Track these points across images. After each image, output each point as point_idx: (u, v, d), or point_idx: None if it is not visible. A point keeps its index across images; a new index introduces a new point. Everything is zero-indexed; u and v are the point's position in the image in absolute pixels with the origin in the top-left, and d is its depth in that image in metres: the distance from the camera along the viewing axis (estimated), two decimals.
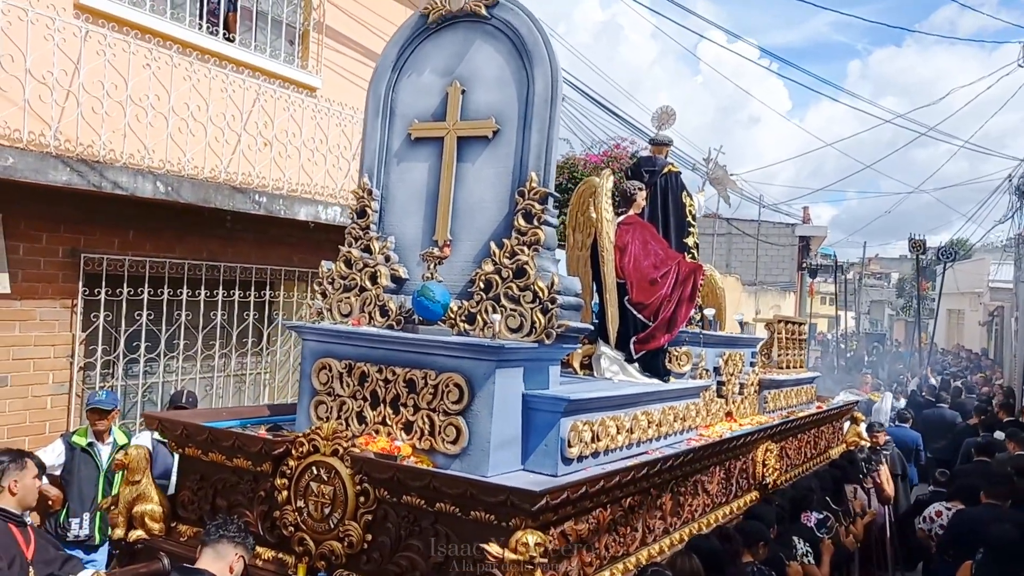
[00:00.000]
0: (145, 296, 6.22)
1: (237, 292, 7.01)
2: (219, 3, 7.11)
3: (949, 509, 5.87)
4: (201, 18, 6.91)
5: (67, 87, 5.51)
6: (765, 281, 25.73)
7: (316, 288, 4.25)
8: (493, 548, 2.83)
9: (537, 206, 3.70)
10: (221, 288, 6.81)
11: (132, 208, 5.98)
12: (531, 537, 2.82)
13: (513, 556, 2.80)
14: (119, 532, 3.80)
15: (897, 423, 10.42)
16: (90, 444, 5.06)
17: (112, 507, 3.83)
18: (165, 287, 6.36)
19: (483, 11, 3.91)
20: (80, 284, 5.86)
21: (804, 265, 28.53)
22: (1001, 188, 18.47)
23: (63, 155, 5.33)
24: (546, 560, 2.85)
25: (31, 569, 3.55)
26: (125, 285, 6.10)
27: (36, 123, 5.31)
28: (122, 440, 5.28)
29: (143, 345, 6.27)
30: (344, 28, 8.16)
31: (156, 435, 5.12)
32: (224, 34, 7.02)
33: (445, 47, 4.06)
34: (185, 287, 6.51)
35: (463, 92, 3.97)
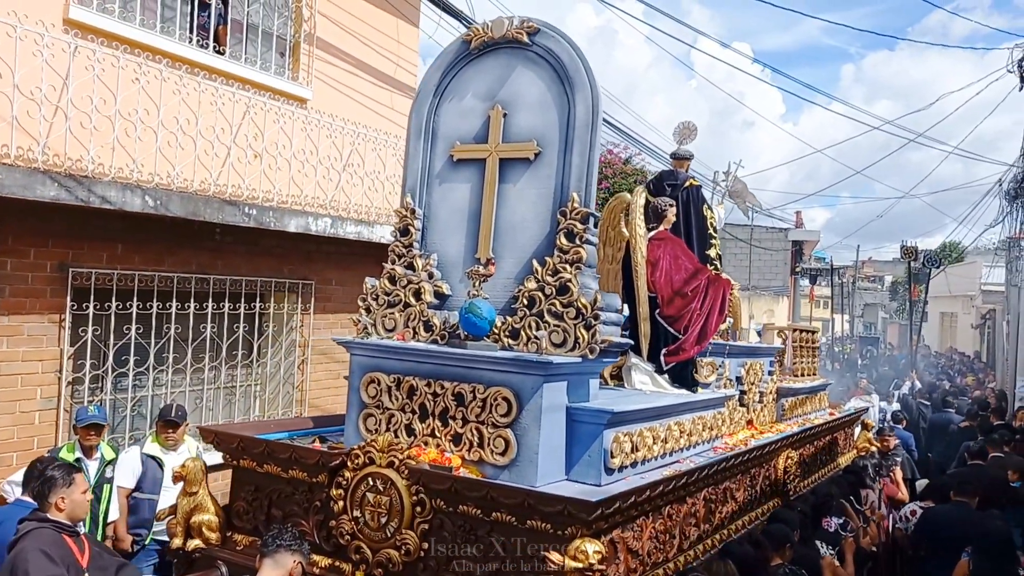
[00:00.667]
0: (134, 310, 6.22)
1: (227, 304, 7.02)
2: (209, 16, 7.15)
3: (923, 508, 6.14)
4: (191, 31, 6.95)
5: (55, 102, 5.53)
6: (758, 286, 25.96)
7: (360, 303, 4.37)
8: (555, 556, 2.98)
9: (579, 226, 3.85)
10: (211, 300, 6.86)
11: (121, 222, 6.01)
12: (590, 546, 2.97)
13: (573, 564, 2.95)
14: (177, 542, 3.93)
15: (891, 424, 10.66)
16: (78, 460, 5.05)
17: (171, 517, 3.95)
18: (154, 300, 6.37)
19: (525, 38, 4.06)
20: (68, 299, 5.85)
21: (797, 269, 28.79)
22: (992, 192, 18.72)
23: (51, 170, 5.33)
24: (604, 567, 3.00)
25: (86, 575, 3.67)
26: (114, 299, 6.09)
27: (24, 139, 5.32)
28: (110, 455, 5.35)
29: (132, 359, 6.28)
30: (335, 39, 8.23)
31: (144, 451, 5.42)
32: (214, 47, 7.07)
33: (487, 72, 4.20)
34: (174, 300, 6.52)
35: (505, 115, 4.11)
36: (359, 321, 4.29)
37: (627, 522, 3.47)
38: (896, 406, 13.75)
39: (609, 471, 3.74)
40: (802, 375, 7.00)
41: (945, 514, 5.99)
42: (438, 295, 4.18)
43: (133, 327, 6.22)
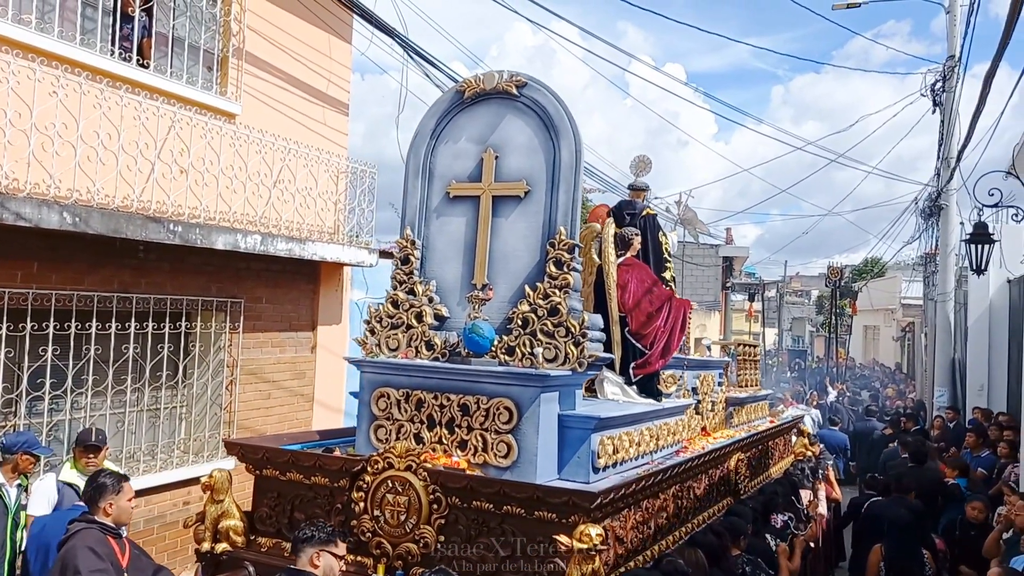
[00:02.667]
0: (51, 330, 6.05)
1: (151, 324, 6.87)
2: (133, 29, 6.98)
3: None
4: (113, 44, 6.78)
5: None
6: (691, 301, 27.06)
7: (364, 324, 4.89)
8: (563, 539, 3.56)
9: (566, 255, 4.48)
10: (133, 320, 6.71)
11: (37, 240, 5.80)
12: (593, 529, 3.56)
13: (580, 545, 3.53)
14: (206, 545, 4.38)
15: (829, 427, 11.70)
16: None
17: (198, 523, 4.40)
18: (72, 321, 6.18)
19: (514, 90, 4.68)
20: None
21: (728, 284, 30.04)
22: (909, 210, 20.00)
23: None
24: (604, 548, 3.60)
25: (125, 575, 4.10)
26: (29, 319, 5.91)
27: None
28: (25, 481, 5.26)
29: (48, 382, 6.09)
30: (265, 54, 8.17)
31: (60, 477, 5.26)
32: (138, 60, 6.89)
33: (479, 119, 4.81)
34: (94, 320, 6.36)
35: (497, 158, 4.72)
36: (365, 342, 4.81)
37: (615, 513, 4.07)
38: (816, 413, 14.87)
39: (596, 470, 4.35)
40: (746, 386, 7.76)
41: (872, 505, 6.95)
42: (438, 317, 4.74)
43: (49, 348, 6.06)
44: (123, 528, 4.29)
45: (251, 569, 4.25)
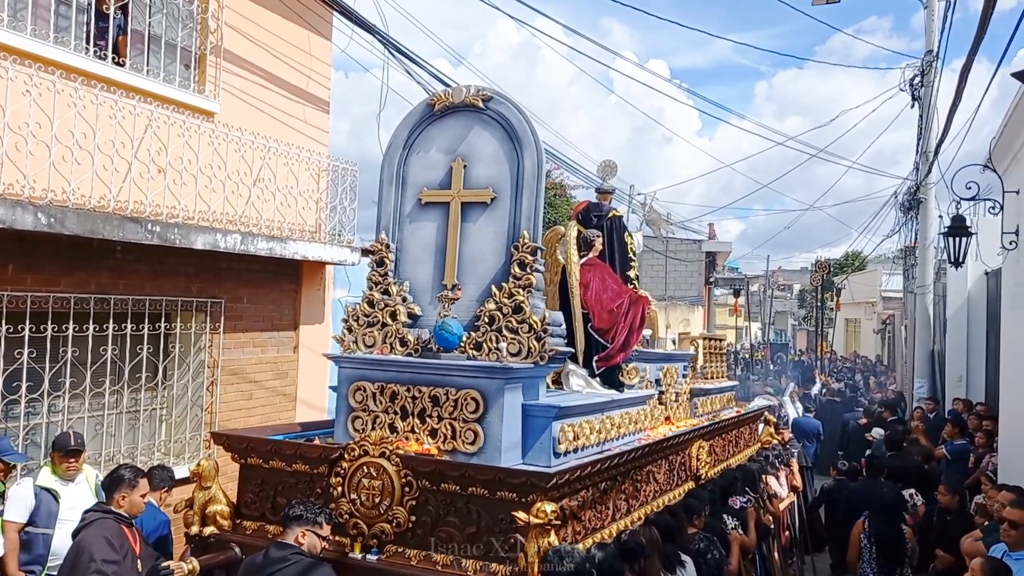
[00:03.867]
0: (26, 333, 6.03)
1: (129, 325, 6.86)
2: (108, 26, 6.90)
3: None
4: (88, 42, 6.72)
5: None
6: (675, 296, 27.55)
7: (342, 323, 5.28)
8: (521, 515, 3.98)
9: (529, 257, 4.88)
10: (112, 322, 6.69)
11: (11, 242, 5.78)
12: (548, 506, 3.98)
13: (536, 520, 3.95)
14: (195, 529, 4.79)
15: (803, 414, 12.28)
16: None
17: (187, 509, 4.80)
18: (49, 323, 6.17)
19: (480, 104, 5.09)
20: None
21: (711, 280, 30.54)
22: (888, 204, 20.39)
23: None
24: (558, 522, 4.02)
25: (138, 562, 4.52)
26: (3, 322, 5.92)
27: None
28: (1, 487, 5.33)
29: (24, 385, 6.08)
30: (244, 52, 8.16)
31: (37, 482, 5.27)
32: (114, 58, 6.84)
33: (448, 130, 5.21)
34: (71, 322, 6.33)
35: (465, 167, 5.13)
36: (343, 339, 5.20)
37: (572, 493, 4.49)
38: (798, 405, 15.40)
39: (557, 455, 4.77)
40: (712, 378, 8.20)
41: (851, 488, 7.47)
42: (411, 316, 5.14)
43: (25, 351, 6.03)
44: (135, 519, 4.70)
45: (237, 550, 4.64)
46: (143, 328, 7.04)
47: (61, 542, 5.08)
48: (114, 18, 6.95)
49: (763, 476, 7.78)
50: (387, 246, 5.27)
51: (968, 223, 11.82)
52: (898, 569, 6.62)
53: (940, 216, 15.18)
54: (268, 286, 8.44)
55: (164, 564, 4.30)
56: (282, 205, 8.09)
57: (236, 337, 8.01)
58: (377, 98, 9.71)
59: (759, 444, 8.86)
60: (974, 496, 7.81)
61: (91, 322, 6.52)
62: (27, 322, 6.05)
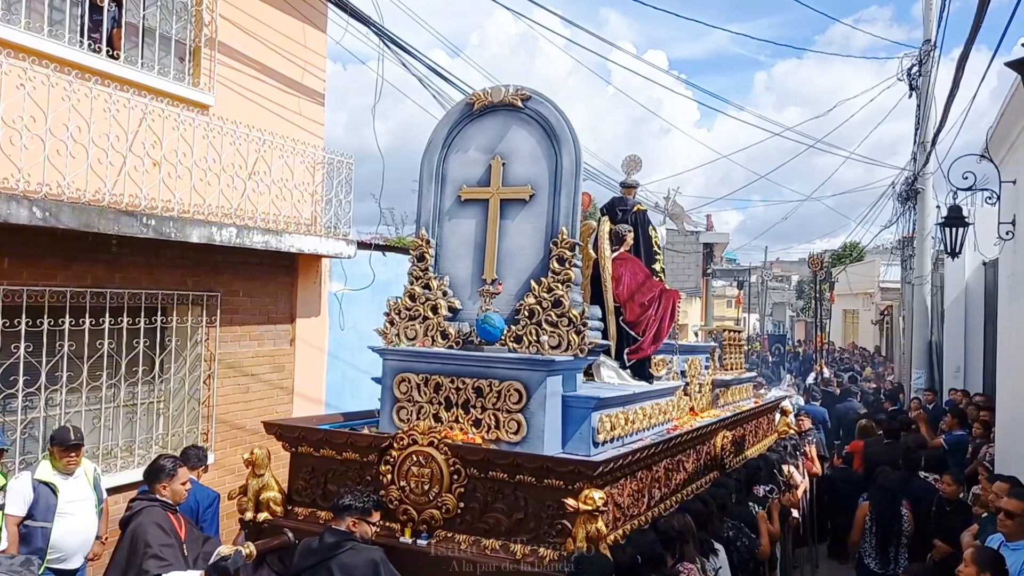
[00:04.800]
0: (23, 327, 6.03)
1: (126, 319, 6.86)
2: (102, 19, 6.91)
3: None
4: (82, 35, 6.70)
5: None
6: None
7: (384, 316, 5.46)
8: (571, 501, 4.18)
9: (568, 253, 5.08)
10: (108, 315, 6.70)
11: (6, 235, 5.81)
12: (596, 493, 4.18)
13: (585, 506, 4.15)
14: (249, 515, 4.98)
15: (809, 402, 12.56)
16: None
17: (241, 495, 4.98)
18: (45, 317, 6.19)
19: (519, 103, 5.27)
20: None
21: (708, 271, 30.79)
22: (886, 194, 20.56)
23: None
24: (606, 510, 4.22)
25: (184, 547, 4.70)
26: (0, 316, 5.96)
27: None
28: (3, 480, 5.37)
29: (21, 379, 6.08)
30: (239, 44, 8.14)
31: (36, 476, 5.35)
32: (108, 51, 6.85)
33: (487, 129, 5.39)
34: (67, 316, 6.36)
35: (504, 164, 5.30)
36: (386, 332, 5.38)
37: (614, 481, 4.69)
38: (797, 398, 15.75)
39: (596, 444, 4.97)
40: (731, 369, 8.41)
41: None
42: (451, 309, 5.33)
43: (22, 345, 6.05)
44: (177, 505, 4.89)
45: (290, 535, 4.83)
46: (139, 322, 7.04)
47: (60, 535, 5.27)
48: (108, 11, 6.97)
49: (783, 465, 8.01)
50: (427, 242, 5.45)
51: (965, 213, 12.01)
52: (893, 550, 6.90)
53: (938, 207, 15.30)
54: (264, 279, 8.44)
55: (225, 557, 4.48)
56: (277, 198, 8.08)
57: (232, 330, 8.04)
58: (374, 90, 9.61)
59: (776, 434, 9.08)
60: (972, 487, 7.92)
61: (87, 316, 6.53)
62: (23, 316, 6.06)
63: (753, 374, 9.34)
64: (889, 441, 9.78)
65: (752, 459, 7.40)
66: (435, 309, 5.33)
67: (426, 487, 4.67)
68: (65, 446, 5.37)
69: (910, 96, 16.25)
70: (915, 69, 15.68)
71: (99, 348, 6.66)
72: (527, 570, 4.33)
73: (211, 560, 4.57)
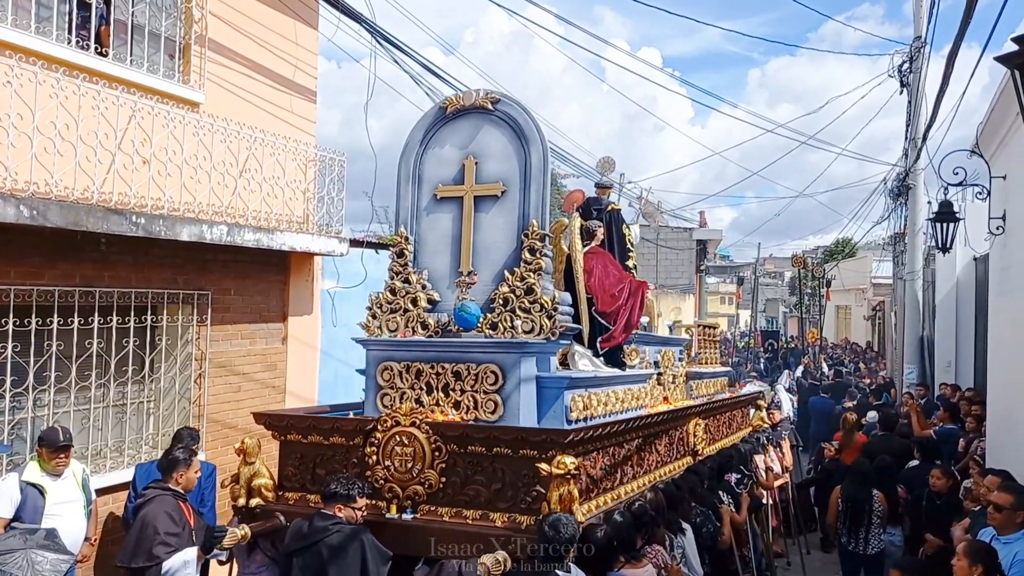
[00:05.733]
0: (10, 327, 6.08)
1: (115, 318, 6.90)
2: (90, 16, 6.95)
3: None
4: (70, 32, 6.70)
5: None
6: (666, 284, 28.17)
7: (367, 310, 5.90)
8: (544, 466, 4.61)
9: (538, 243, 5.54)
10: (97, 315, 6.74)
11: None
12: (568, 458, 4.61)
13: (557, 471, 4.58)
14: (242, 501, 5.41)
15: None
16: None
17: (233, 483, 5.41)
18: (33, 316, 6.23)
19: (489, 106, 5.74)
20: None
21: (702, 268, 31.26)
22: (878, 190, 20.95)
23: None
24: (577, 473, 4.65)
25: (193, 534, 5.14)
26: None
27: None
28: None
29: (8, 379, 6.15)
30: (229, 41, 8.19)
31: (23, 477, 5.46)
32: (96, 48, 6.87)
33: (460, 130, 5.86)
34: (56, 315, 6.39)
35: (476, 163, 5.76)
36: (368, 325, 5.82)
37: (586, 453, 5.12)
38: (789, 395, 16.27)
39: (569, 422, 5.41)
40: (706, 363, 8.87)
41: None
42: (430, 301, 5.78)
43: (9, 345, 6.11)
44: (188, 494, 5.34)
45: (282, 518, 5.26)
46: (129, 321, 7.09)
47: None
48: (96, 7, 7.03)
49: (754, 456, 8.47)
50: (406, 238, 5.90)
51: (956, 209, 12.38)
52: (864, 531, 7.35)
53: (929, 202, 15.44)
54: (256, 278, 8.52)
55: (219, 530, 4.91)
56: (269, 196, 8.17)
57: (224, 329, 8.09)
58: (371, 90, 9.76)
59: (751, 427, 9.53)
60: (963, 481, 8.09)
61: (76, 315, 6.57)
62: (11, 316, 6.10)
63: (728, 369, 9.80)
64: (884, 433, 10.24)
65: (726, 448, 7.85)
66: (415, 301, 5.77)
67: (409, 465, 5.11)
68: (54, 447, 5.51)
69: (901, 92, 16.58)
70: (906, 66, 15.99)
71: (88, 348, 6.72)
72: (504, 535, 4.75)
73: (203, 537, 5.02)
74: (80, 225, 6.07)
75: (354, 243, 9.60)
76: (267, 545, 5.30)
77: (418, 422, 5.12)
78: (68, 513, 5.57)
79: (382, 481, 5.18)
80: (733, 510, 7.13)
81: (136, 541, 4.97)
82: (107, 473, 6.88)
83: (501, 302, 5.54)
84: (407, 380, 5.50)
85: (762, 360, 25.34)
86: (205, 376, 7.86)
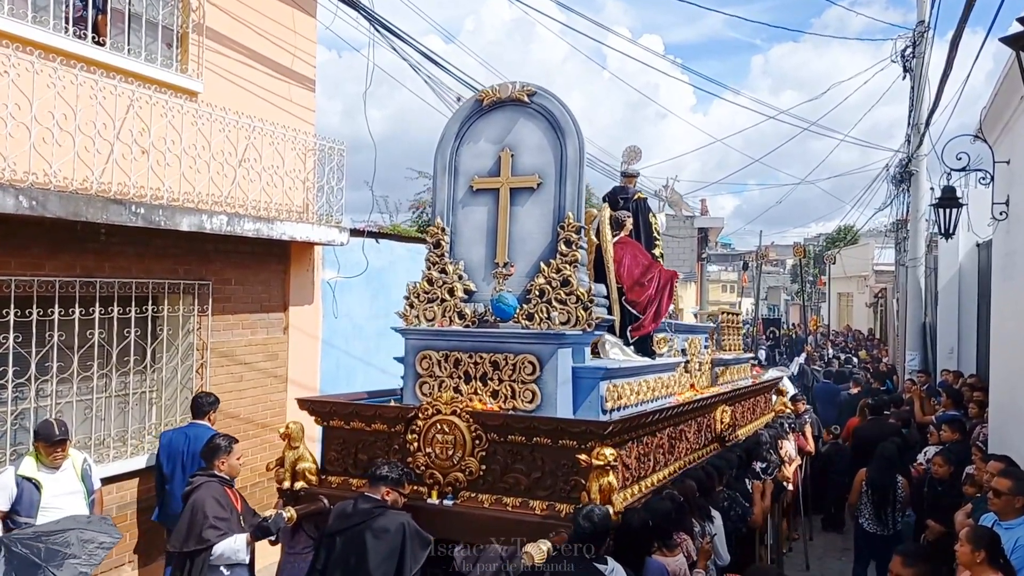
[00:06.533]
0: (11, 318, 6.17)
1: (116, 309, 6.99)
2: (87, 5, 6.99)
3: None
4: (67, 21, 6.75)
5: None
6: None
7: (404, 300, 6.06)
8: (584, 457, 4.81)
9: (574, 235, 5.71)
10: (98, 305, 6.84)
11: None
12: (608, 450, 4.81)
13: (597, 462, 4.78)
14: (286, 484, 5.60)
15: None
16: None
17: (278, 467, 5.60)
18: (34, 307, 6.30)
19: (525, 98, 5.89)
20: None
21: (703, 256, 31.52)
22: (880, 177, 21.10)
23: None
24: (616, 464, 4.85)
25: (240, 519, 5.33)
26: None
27: None
28: None
29: (10, 370, 6.23)
30: (227, 30, 8.25)
31: (20, 472, 5.50)
32: (94, 38, 6.94)
33: (496, 123, 6.01)
34: (56, 306, 6.47)
35: (512, 156, 5.92)
36: (406, 314, 6.00)
37: (622, 444, 5.32)
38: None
39: (604, 412, 5.61)
40: (729, 349, 9.08)
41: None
42: (466, 291, 5.95)
43: (11, 336, 6.18)
44: (234, 480, 5.53)
45: (326, 501, 5.45)
46: (130, 311, 7.17)
47: None
48: None
49: (779, 441, 8.70)
50: (443, 229, 6.07)
51: (959, 194, 12.53)
52: (889, 514, 7.61)
53: (932, 188, 15.58)
54: (256, 267, 8.61)
55: (270, 514, 5.12)
56: (268, 185, 8.25)
57: (225, 319, 8.20)
58: (370, 78, 9.75)
59: (772, 412, 9.77)
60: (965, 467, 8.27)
61: (77, 306, 6.65)
62: (11, 306, 6.18)
63: (750, 355, 10.03)
64: (873, 418, 10.52)
65: (751, 436, 8.08)
66: (452, 291, 5.95)
67: (450, 452, 5.30)
68: (50, 442, 5.54)
69: (904, 78, 16.76)
70: (909, 51, 16.11)
71: (90, 338, 6.81)
72: (542, 522, 4.95)
73: (255, 523, 5.23)
74: (80, 215, 6.14)
75: (354, 232, 9.69)
76: (311, 527, 5.50)
77: (459, 411, 5.31)
78: (68, 505, 5.59)
79: (423, 467, 5.38)
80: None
81: (187, 526, 5.17)
82: (111, 463, 6.98)
83: (537, 293, 5.71)
84: (446, 369, 5.69)
85: (764, 348, 25.60)
86: (207, 366, 7.96)
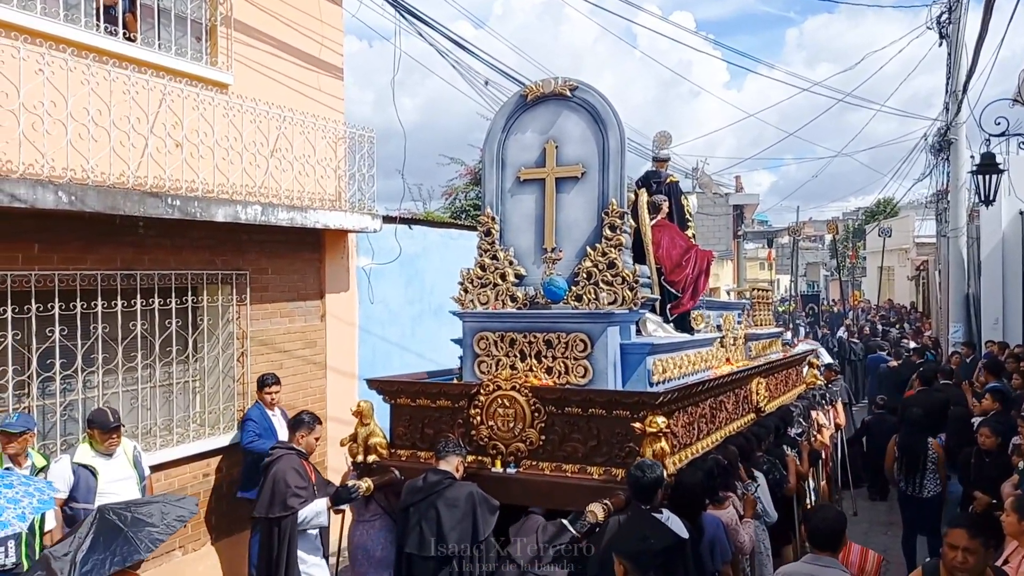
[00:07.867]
0: (56, 311, 6.48)
1: (157, 300, 7.34)
2: (117, 2, 7.31)
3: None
4: (98, 18, 7.05)
5: None
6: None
7: (459, 285, 6.74)
8: (638, 425, 5.47)
9: (618, 221, 6.36)
10: (139, 297, 7.18)
11: (34, 221, 6.27)
12: (660, 418, 5.47)
13: (651, 429, 5.44)
14: (360, 457, 6.33)
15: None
16: (7, 469, 5.38)
17: (351, 442, 6.32)
18: (77, 300, 6.62)
19: (567, 92, 6.53)
20: None
21: (739, 233, 31.96)
22: (919, 147, 21.41)
23: None
24: (668, 432, 5.51)
25: (315, 488, 6.05)
26: (33, 301, 6.36)
27: None
28: (41, 463, 5.87)
29: (58, 362, 6.56)
30: (255, 21, 8.58)
31: (75, 459, 5.92)
32: (124, 33, 7.25)
33: (540, 117, 6.66)
34: (99, 299, 6.82)
35: (557, 147, 6.57)
36: (461, 299, 6.68)
37: (670, 413, 5.98)
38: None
39: (651, 384, 6.26)
40: (761, 324, 9.70)
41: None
42: (517, 276, 6.62)
43: (57, 329, 6.50)
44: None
45: (397, 472, 6.16)
46: (170, 302, 7.54)
47: None
48: None
49: (812, 411, 9.33)
50: (493, 218, 6.74)
51: (999, 160, 12.89)
52: (918, 475, 8.25)
53: (972, 156, 15.78)
54: (291, 256, 8.98)
55: (351, 484, 5.84)
56: (300, 174, 8.62)
57: (263, 308, 8.59)
58: (402, 67, 10.27)
59: (804, 384, 10.38)
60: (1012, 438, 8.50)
61: (119, 298, 7.00)
62: (56, 300, 6.52)
63: (781, 330, 10.67)
64: (923, 388, 11.11)
65: (785, 405, 8.71)
66: (503, 276, 6.62)
67: (511, 424, 6.00)
68: (105, 429, 6.04)
69: (940, 45, 17.15)
70: (945, 16, 16.56)
71: (132, 329, 7.19)
72: (600, 486, 5.62)
73: (335, 491, 5.95)
74: (118, 209, 6.48)
75: (387, 219, 10.18)
76: (381, 497, 6.22)
77: (518, 386, 6.00)
78: (122, 490, 6.02)
79: (486, 439, 6.08)
80: (797, 461, 8.03)
81: (271, 494, 5.92)
82: (158, 451, 7.43)
83: (585, 276, 6.36)
84: (502, 348, 6.37)
85: (803, 326, 26.11)
86: (247, 354, 8.40)
